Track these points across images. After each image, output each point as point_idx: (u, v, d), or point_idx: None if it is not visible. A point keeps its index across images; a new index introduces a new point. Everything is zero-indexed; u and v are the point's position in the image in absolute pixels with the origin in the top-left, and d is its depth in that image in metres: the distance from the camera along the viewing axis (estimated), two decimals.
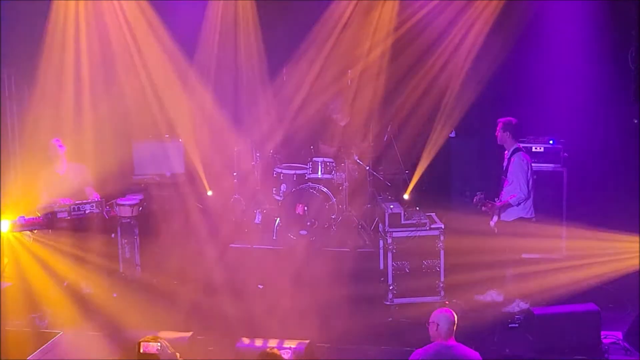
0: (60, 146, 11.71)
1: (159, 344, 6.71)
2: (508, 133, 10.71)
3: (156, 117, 13.51)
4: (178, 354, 6.85)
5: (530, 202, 10.69)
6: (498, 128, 10.78)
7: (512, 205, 10.62)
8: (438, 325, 7.46)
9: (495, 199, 10.70)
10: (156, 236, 12.33)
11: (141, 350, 6.70)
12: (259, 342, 8.51)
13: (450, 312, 7.57)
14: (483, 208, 10.76)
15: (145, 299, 11.33)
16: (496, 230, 10.79)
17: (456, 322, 7.51)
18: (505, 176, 10.71)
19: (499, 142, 10.88)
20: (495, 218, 10.76)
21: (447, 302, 10.72)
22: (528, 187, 10.61)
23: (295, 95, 13.53)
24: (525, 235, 10.78)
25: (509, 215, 10.70)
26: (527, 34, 12.35)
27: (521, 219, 10.69)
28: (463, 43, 12.74)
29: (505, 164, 10.81)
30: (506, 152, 10.86)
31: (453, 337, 7.47)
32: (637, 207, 11.59)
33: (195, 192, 13.64)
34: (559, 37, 12.23)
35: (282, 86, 13.69)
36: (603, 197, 12.18)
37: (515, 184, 10.59)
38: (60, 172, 11.75)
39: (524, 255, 11.36)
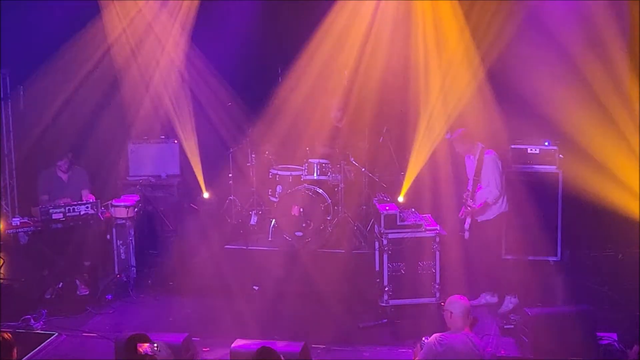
0: (67, 164, 11.76)
1: (155, 344, 6.70)
2: (467, 143, 10.80)
3: (153, 118, 13.53)
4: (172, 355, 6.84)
5: (505, 197, 10.79)
6: (455, 144, 10.89)
7: (490, 205, 10.67)
8: (452, 313, 7.46)
9: (470, 202, 10.75)
10: (152, 237, 12.33)
11: (140, 351, 6.68)
12: (254, 344, 8.49)
13: (465, 298, 7.59)
14: (462, 213, 10.84)
15: (140, 301, 11.33)
16: (467, 235, 10.87)
17: (467, 310, 7.51)
18: (478, 178, 10.74)
19: (463, 154, 10.92)
20: (468, 220, 10.82)
21: (442, 303, 10.71)
22: (501, 183, 10.70)
23: (291, 96, 13.52)
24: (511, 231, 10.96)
25: (490, 214, 10.78)
26: (520, 34, 12.32)
27: (502, 214, 10.82)
28: (458, 42, 12.71)
29: (472, 166, 10.83)
30: (469, 156, 10.91)
31: (468, 326, 7.47)
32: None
33: (191, 193, 13.65)
34: (553, 36, 12.19)
35: (278, 86, 13.69)
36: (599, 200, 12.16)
37: (491, 183, 10.66)
38: (64, 178, 11.78)
39: (518, 258, 11.40)
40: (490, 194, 10.65)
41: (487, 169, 10.69)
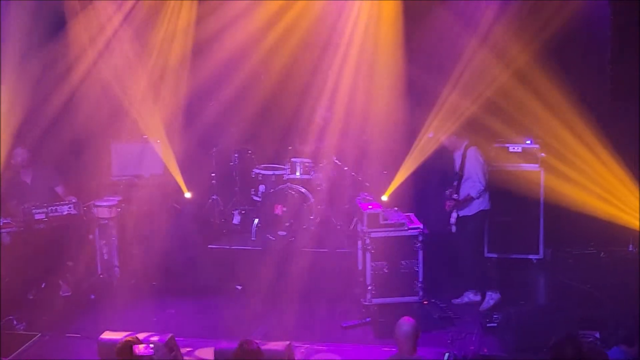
0: (25, 155, 11.64)
1: (151, 345, 6.72)
2: (455, 137, 10.88)
3: (134, 119, 13.45)
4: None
5: (487, 194, 10.83)
6: (447, 143, 10.94)
7: (474, 199, 10.72)
8: (397, 337, 7.53)
9: (455, 196, 10.80)
10: (135, 237, 12.30)
11: (137, 353, 6.68)
12: (237, 344, 8.49)
13: (408, 321, 7.57)
14: (447, 206, 10.87)
15: (124, 301, 11.31)
16: (454, 229, 10.90)
17: (415, 332, 7.51)
18: (462, 173, 10.81)
19: (452, 150, 10.97)
20: (454, 215, 10.86)
21: (425, 302, 10.76)
22: (485, 178, 10.75)
23: (274, 95, 13.50)
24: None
25: (470, 210, 10.84)
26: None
27: (482, 211, 10.86)
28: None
29: (458, 162, 10.90)
30: (456, 152, 10.97)
31: (414, 347, 7.48)
32: None
33: (174, 193, 13.60)
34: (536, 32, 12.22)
35: (259, 86, 13.67)
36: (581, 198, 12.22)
37: (474, 177, 10.73)
38: (28, 180, 11.67)
39: (501, 256, 11.46)
40: (473, 188, 10.70)
41: (470, 164, 10.77)
